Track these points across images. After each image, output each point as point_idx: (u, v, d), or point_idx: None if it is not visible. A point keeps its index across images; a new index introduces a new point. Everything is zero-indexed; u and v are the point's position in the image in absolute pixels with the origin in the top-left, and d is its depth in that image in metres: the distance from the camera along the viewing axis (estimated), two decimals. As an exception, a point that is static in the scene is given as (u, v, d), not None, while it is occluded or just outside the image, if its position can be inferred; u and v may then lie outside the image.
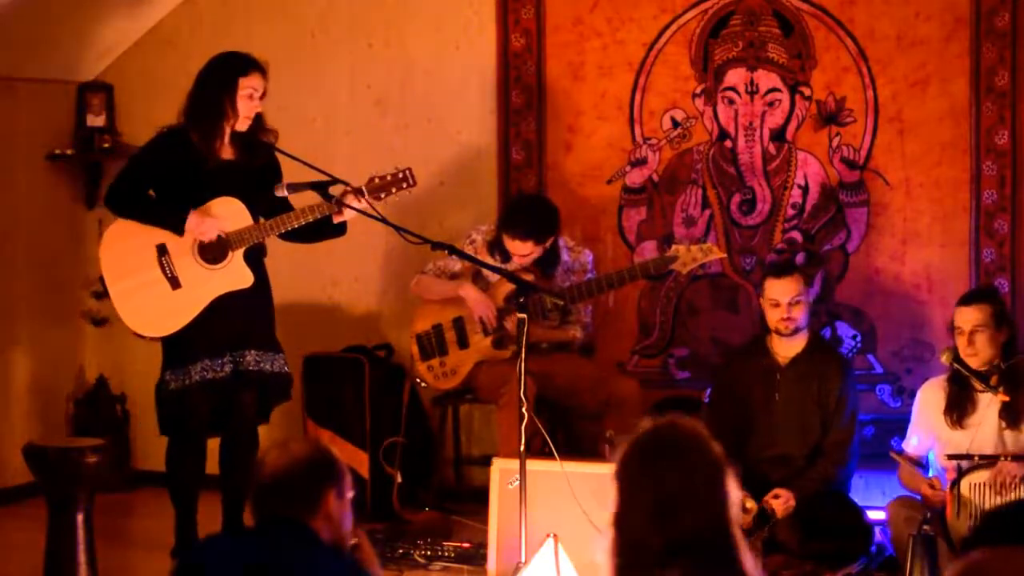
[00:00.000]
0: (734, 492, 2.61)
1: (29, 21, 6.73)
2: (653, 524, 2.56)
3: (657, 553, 2.54)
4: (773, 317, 5.92)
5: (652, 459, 2.62)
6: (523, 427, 5.13)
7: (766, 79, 6.67)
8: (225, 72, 5.65)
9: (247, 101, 5.65)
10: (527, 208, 6.26)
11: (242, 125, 5.68)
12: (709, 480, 2.59)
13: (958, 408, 5.61)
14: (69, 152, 7.23)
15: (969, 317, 5.58)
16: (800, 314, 5.90)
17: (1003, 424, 5.53)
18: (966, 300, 5.67)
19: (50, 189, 7.23)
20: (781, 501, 5.72)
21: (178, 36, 7.26)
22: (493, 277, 6.19)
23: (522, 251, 6.13)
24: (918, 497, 5.60)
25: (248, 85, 5.63)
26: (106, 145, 7.22)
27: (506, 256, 6.21)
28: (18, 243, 7.06)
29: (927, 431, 5.70)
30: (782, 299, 5.88)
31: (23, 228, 7.08)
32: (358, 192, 5.67)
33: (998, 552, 2.36)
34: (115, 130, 7.29)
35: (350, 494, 3.10)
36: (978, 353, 5.56)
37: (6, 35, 6.69)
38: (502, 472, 5.46)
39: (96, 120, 7.29)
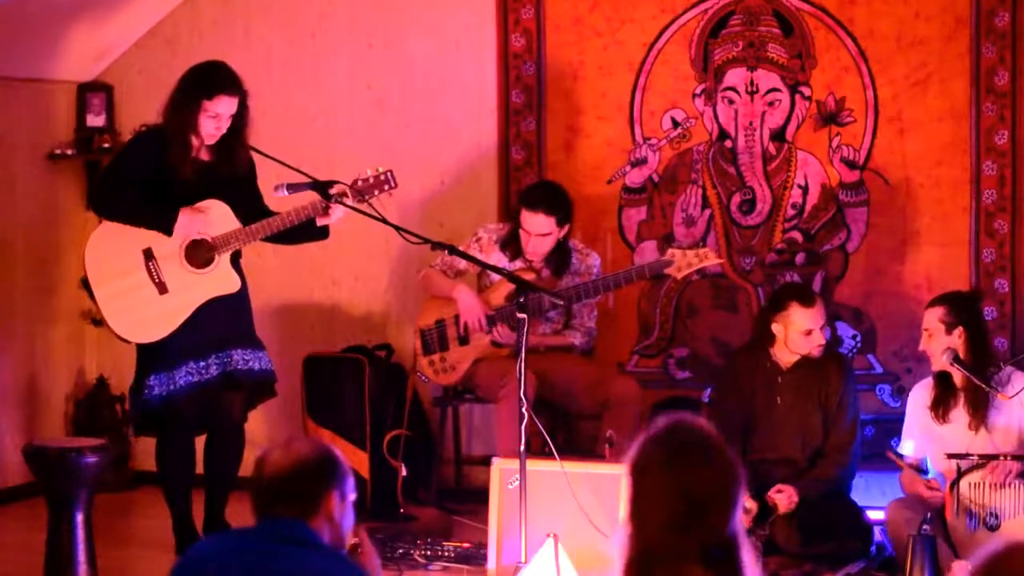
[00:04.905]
0: (743, 497, 2.62)
1: (29, 21, 6.73)
2: (681, 524, 2.54)
3: (683, 552, 2.53)
4: (807, 344, 5.85)
5: (677, 457, 2.59)
6: (523, 427, 5.14)
7: (766, 79, 6.67)
8: (191, 91, 5.64)
9: (209, 122, 5.63)
10: (547, 186, 6.36)
11: (209, 140, 5.68)
12: (732, 483, 2.59)
13: (943, 404, 5.62)
14: (69, 152, 7.23)
15: (924, 321, 5.66)
16: (827, 331, 5.93)
17: (971, 422, 5.54)
18: (927, 304, 5.74)
19: (50, 189, 7.22)
20: (784, 496, 5.72)
21: (178, 36, 7.26)
22: (495, 276, 6.19)
23: (542, 228, 6.14)
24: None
25: (211, 108, 5.61)
26: (106, 145, 7.21)
27: (516, 252, 6.23)
28: (18, 243, 7.06)
29: (919, 430, 5.71)
30: (816, 326, 5.86)
31: (23, 228, 7.08)
32: (341, 195, 5.68)
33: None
34: (115, 130, 7.29)
35: (352, 496, 3.10)
36: (931, 355, 5.59)
37: (6, 35, 6.69)
38: (502, 472, 5.46)
39: (96, 120, 7.28)
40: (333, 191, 5.68)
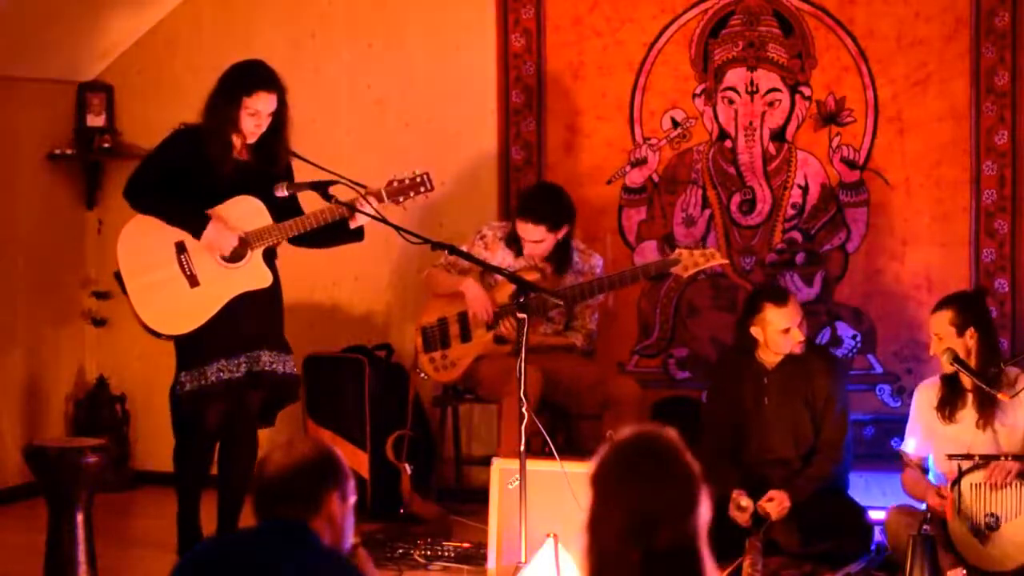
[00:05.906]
0: (706, 509, 2.60)
1: (29, 21, 6.74)
2: (629, 536, 2.55)
3: (632, 564, 2.54)
4: (787, 343, 5.85)
5: (632, 470, 2.60)
6: (523, 427, 5.14)
7: (766, 79, 6.67)
8: (232, 88, 5.62)
9: (249, 119, 5.62)
10: (544, 194, 6.32)
11: (250, 139, 5.67)
12: (687, 496, 2.59)
13: (950, 404, 5.63)
14: (69, 152, 7.23)
15: (932, 325, 5.65)
16: (805, 328, 5.92)
17: (979, 421, 5.54)
18: (933, 308, 5.72)
19: (50, 189, 7.23)
20: (775, 504, 5.71)
21: (178, 36, 7.26)
22: (498, 276, 6.19)
23: (534, 236, 6.14)
24: (920, 505, 5.60)
25: (251, 105, 5.59)
26: (106, 145, 7.22)
27: (521, 248, 6.23)
28: (18, 243, 7.06)
29: (924, 430, 5.71)
30: (793, 323, 5.86)
31: (23, 228, 7.08)
32: (377, 196, 5.68)
33: None
34: (115, 130, 7.29)
35: (353, 497, 3.10)
36: (941, 358, 5.60)
37: (6, 35, 6.69)
38: (502, 472, 5.46)
39: (96, 120, 7.29)
40: (349, 194, 5.66)
